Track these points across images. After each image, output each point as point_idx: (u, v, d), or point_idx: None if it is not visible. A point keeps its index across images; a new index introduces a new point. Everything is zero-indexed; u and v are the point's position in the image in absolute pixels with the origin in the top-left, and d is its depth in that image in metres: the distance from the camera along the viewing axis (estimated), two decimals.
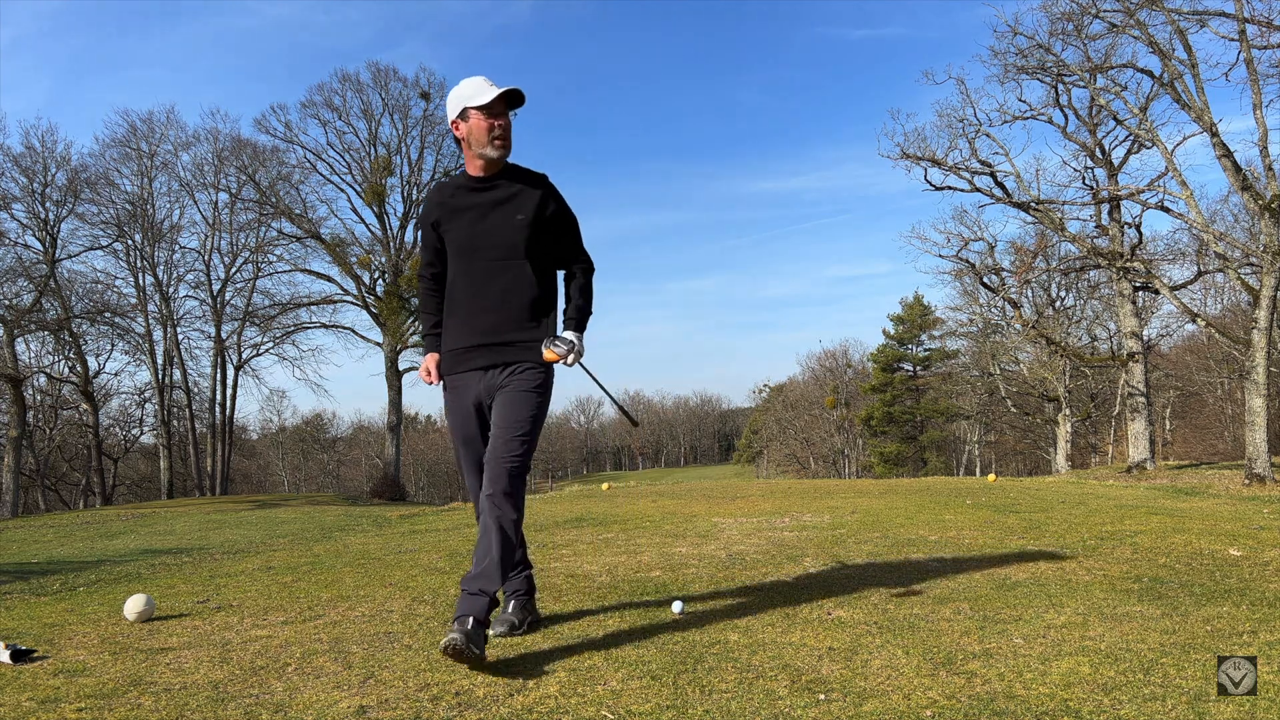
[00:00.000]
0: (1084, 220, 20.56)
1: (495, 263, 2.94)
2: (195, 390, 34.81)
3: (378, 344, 32.65)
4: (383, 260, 32.40)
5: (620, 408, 3.18)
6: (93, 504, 31.82)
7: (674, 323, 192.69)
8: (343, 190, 33.18)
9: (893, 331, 54.96)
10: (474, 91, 2.87)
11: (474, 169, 2.97)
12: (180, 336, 33.56)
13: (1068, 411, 29.73)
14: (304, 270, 33.45)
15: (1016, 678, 2.44)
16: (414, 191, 32.65)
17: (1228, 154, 14.40)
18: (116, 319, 30.98)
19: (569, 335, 2.95)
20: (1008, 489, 10.55)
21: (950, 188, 20.13)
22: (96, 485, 32.52)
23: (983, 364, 38.14)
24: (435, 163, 33.08)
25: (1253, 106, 13.86)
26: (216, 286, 33.65)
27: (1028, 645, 2.78)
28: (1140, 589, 3.69)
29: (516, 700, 2.35)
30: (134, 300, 31.88)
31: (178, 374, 33.70)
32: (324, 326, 34.03)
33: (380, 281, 32.46)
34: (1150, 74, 16.29)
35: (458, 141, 3.00)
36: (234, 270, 34.01)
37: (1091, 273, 23.50)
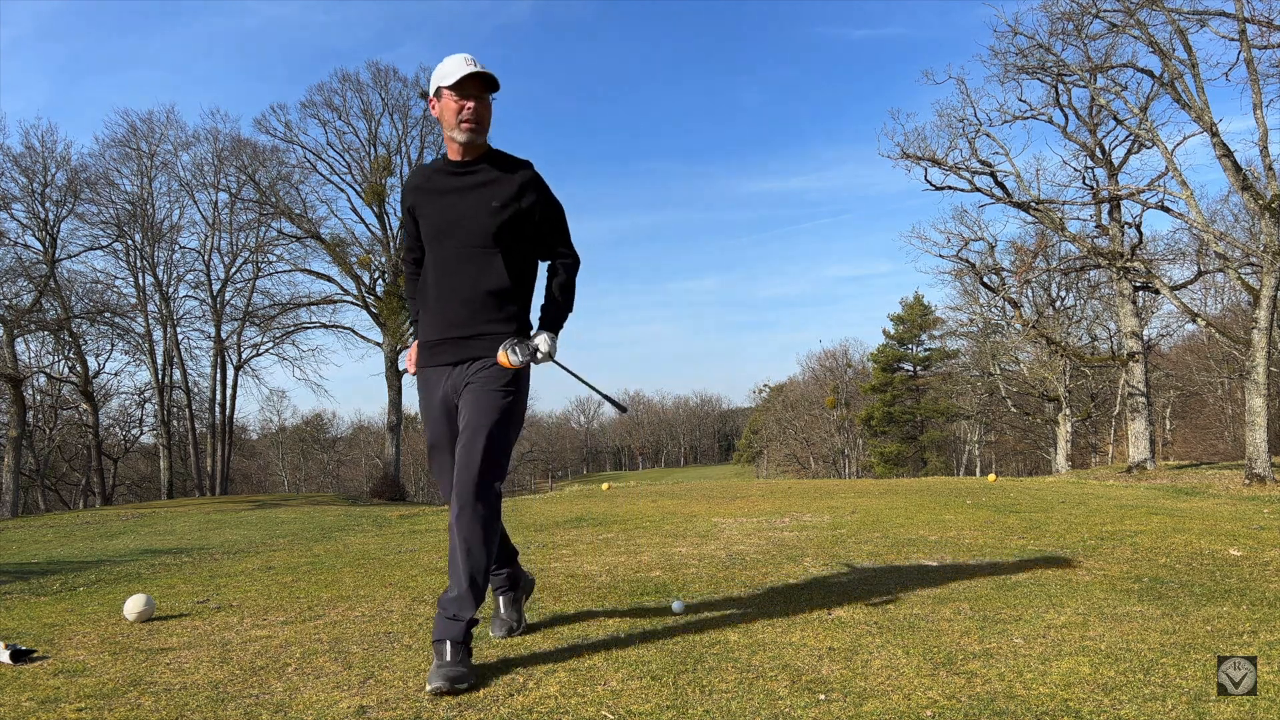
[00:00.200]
0: (1084, 220, 20.58)
1: (466, 250, 2.77)
2: (195, 390, 34.81)
3: (378, 344, 32.63)
4: (383, 260, 32.39)
5: (605, 396, 2.97)
6: (93, 504, 31.81)
7: (674, 323, 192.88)
8: (343, 190, 33.16)
9: (893, 331, 54.97)
10: (449, 70, 2.73)
11: (452, 152, 2.83)
12: (180, 336, 33.57)
13: (1068, 411, 29.73)
14: (304, 270, 33.44)
15: (1016, 678, 2.44)
16: None
17: (1228, 154, 14.39)
18: (116, 319, 30.98)
19: (539, 339, 2.77)
20: (1008, 489, 10.55)
21: (950, 188, 20.13)
22: (96, 485, 32.50)
23: (983, 364, 38.14)
24: None
25: (1253, 106, 13.86)
26: (216, 286, 33.65)
27: (1028, 645, 2.78)
28: (1140, 589, 3.69)
29: (516, 700, 2.35)
30: (134, 300, 31.86)
31: (178, 374, 33.70)
32: (324, 326, 34.03)
33: (380, 281, 32.45)
34: (1150, 74, 16.29)
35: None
36: (234, 270, 34.02)
37: (1091, 273, 23.51)
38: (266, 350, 35.04)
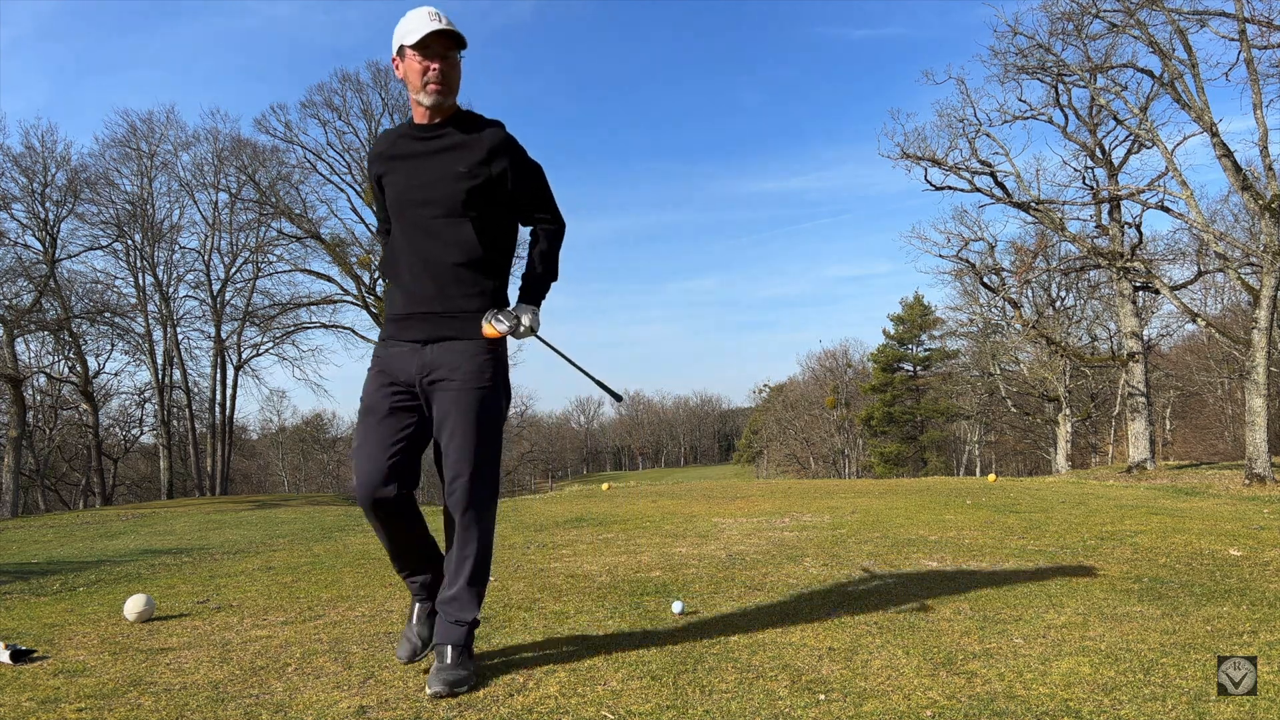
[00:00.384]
0: (1084, 220, 20.57)
1: (435, 220, 2.55)
2: (195, 390, 34.80)
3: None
4: None
5: (598, 383, 2.76)
6: (93, 504, 31.80)
7: (674, 323, 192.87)
8: (343, 190, 33.11)
9: (893, 331, 54.96)
10: (411, 27, 2.50)
11: (418, 115, 2.62)
12: (180, 336, 33.55)
13: (1068, 411, 29.73)
14: (304, 270, 33.44)
15: (1016, 678, 2.44)
16: None
17: (1228, 154, 14.39)
18: (116, 319, 30.96)
19: (520, 311, 2.58)
20: (1008, 489, 10.55)
21: (950, 188, 20.13)
22: (96, 485, 32.50)
23: (983, 364, 38.13)
24: None
25: (1253, 106, 13.86)
26: (216, 286, 33.64)
27: (1028, 645, 2.78)
28: (1140, 589, 3.69)
29: (516, 700, 2.35)
30: (134, 300, 31.85)
31: (177, 374, 33.69)
32: (324, 326, 34.03)
33: (380, 281, 32.45)
34: (1150, 74, 16.29)
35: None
36: (234, 270, 34.02)
37: (1091, 273, 23.50)
38: (266, 350, 35.04)
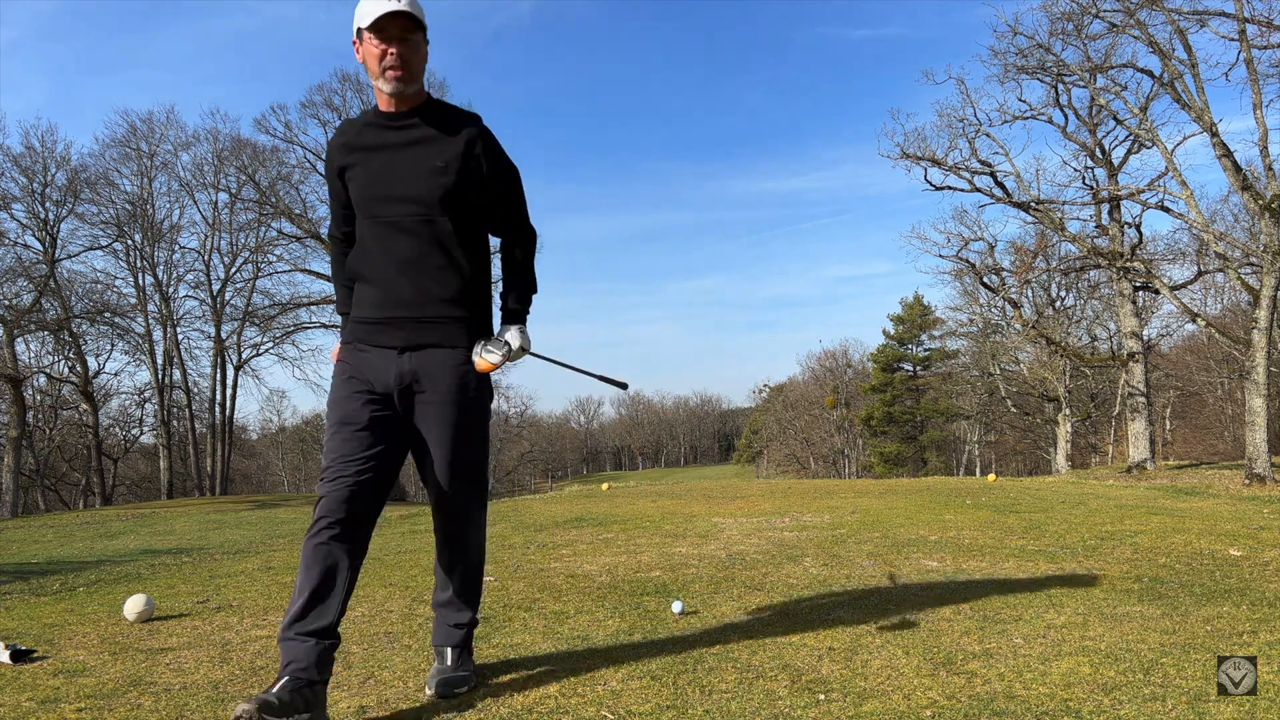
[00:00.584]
0: (1084, 220, 20.58)
1: (408, 218, 2.38)
2: (195, 390, 34.80)
3: None
4: None
5: (599, 377, 2.64)
6: (93, 504, 31.80)
7: (674, 323, 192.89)
8: None
9: (893, 331, 54.97)
10: (366, 10, 2.33)
11: (382, 103, 2.44)
12: (180, 336, 33.57)
13: (1068, 411, 29.73)
14: (304, 270, 33.41)
15: (1016, 678, 2.44)
16: None
17: (1228, 154, 14.39)
18: (116, 319, 30.97)
19: (508, 335, 2.45)
20: (1008, 489, 10.55)
21: (950, 188, 20.13)
22: (96, 485, 32.50)
23: (983, 364, 38.13)
24: None
25: (1253, 106, 13.86)
26: (216, 286, 33.64)
27: (1028, 645, 2.78)
28: (1140, 589, 3.69)
29: (516, 700, 2.35)
30: (134, 300, 31.86)
31: (177, 374, 33.70)
32: (324, 326, 33.98)
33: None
34: (1150, 74, 16.30)
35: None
36: (234, 270, 34.02)
37: (1091, 273, 23.50)
38: (266, 350, 35.04)
